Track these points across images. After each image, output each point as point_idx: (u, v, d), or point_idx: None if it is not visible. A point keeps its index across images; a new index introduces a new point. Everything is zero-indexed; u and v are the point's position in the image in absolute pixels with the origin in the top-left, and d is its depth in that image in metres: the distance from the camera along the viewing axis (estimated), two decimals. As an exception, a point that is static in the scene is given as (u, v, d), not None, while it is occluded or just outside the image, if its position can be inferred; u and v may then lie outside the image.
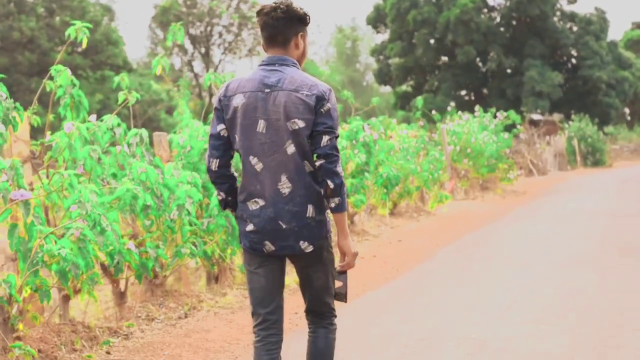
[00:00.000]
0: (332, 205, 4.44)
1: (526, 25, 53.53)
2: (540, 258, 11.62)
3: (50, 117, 7.82)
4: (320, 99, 4.43)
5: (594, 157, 47.65)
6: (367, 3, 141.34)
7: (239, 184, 4.63)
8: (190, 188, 8.30)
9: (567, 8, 55.34)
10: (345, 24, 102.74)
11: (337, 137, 4.46)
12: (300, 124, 4.41)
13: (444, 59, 55.56)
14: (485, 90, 55.18)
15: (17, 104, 6.76)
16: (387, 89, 71.17)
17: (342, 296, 4.76)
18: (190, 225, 8.76)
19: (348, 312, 7.89)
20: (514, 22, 54.22)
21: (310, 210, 4.46)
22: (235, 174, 4.69)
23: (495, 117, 28.24)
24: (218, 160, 4.58)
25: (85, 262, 6.56)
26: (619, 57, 55.27)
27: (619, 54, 55.51)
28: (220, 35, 60.83)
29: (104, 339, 7.25)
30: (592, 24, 53.76)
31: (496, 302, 8.72)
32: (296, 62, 4.59)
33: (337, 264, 4.66)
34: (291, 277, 8.87)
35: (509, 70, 53.74)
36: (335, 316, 4.81)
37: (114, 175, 7.95)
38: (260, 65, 4.57)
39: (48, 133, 7.59)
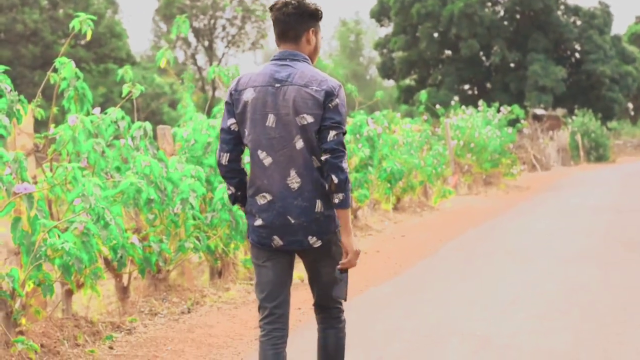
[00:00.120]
0: (336, 201, 4.42)
1: (530, 19, 53.47)
2: (544, 253, 11.59)
3: (54, 109, 7.80)
4: (330, 94, 4.43)
5: (597, 153, 47.62)
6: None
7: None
8: (194, 182, 8.27)
9: (571, 2, 55.33)
10: (348, 18, 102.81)
11: (344, 133, 4.45)
12: (309, 119, 4.41)
13: (448, 52, 55.51)
14: (488, 85, 55.14)
15: (22, 97, 6.73)
16: (390, 82, 71.14)
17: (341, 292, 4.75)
18: (194, 219, 8.74)
19: (351, 308, 7.86)
20: (518, 16, 54.16)
21: (318, 205, 4.46)
22: (246, 169, 4.68)
23: (498, 111, 28.19)
24: (228, 154, 4.59)
25: (89, 256, 6.54)
26: (623, 52, 55.21)
27: (622, 48, 55.44)
28: (224, 28, 60.82)
29: (107, 334, 7.23)
30: (596, 18, 53.69)
31: (500, 298, 8.70)
32: (307, 57, 4.59)
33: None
34: (294, 273, 8.83)
35: (512, 65, 53.72)
36: (343, 311, 4.81)
37: (118, 169, 7.93)
38: (271, 60, 4.59)
39: (52, 126, 7.57)
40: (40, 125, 8.09)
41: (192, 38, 60.13)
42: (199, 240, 8.66)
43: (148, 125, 8.17)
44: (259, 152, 4.48)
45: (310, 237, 4.49)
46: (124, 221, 7.68)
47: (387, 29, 58.44)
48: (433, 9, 52.16)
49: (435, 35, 54.03)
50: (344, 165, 4.39)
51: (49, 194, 7.05)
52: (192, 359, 6.80)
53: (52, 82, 7.64)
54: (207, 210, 9.14)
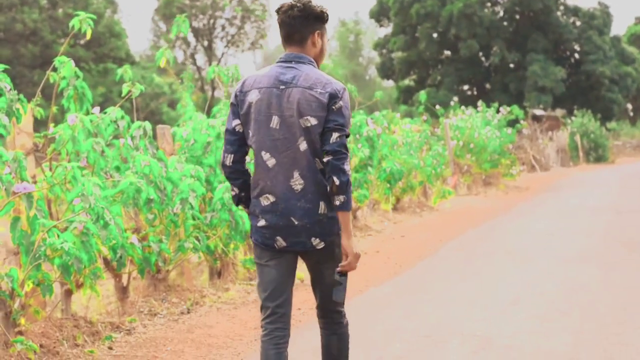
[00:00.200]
0: (337, 203, 4.41)
1: (529, 19, 53.47)
2: (544, 253, 11.58)
3: (54, 109, 7.78)
4: (333, 97, 4.44)
5: (596, 153, 47.62)
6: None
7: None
8: (193, 182, 8.26)
9: (571, 2, 55.42)
10: (348, 18, 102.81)
11: (347, 135, 4.46)
12: (313, 121, 4.42)
13: (447, 53, 55.49)
14: (487, 85, 55.14)
15: (21, 96, 6.72)
16: (389, 83, 71.13)
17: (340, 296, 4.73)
18: (194, 219, 8.72)
19: (351, 308, 7.83)
20: (517, 16, 54.15)
21: (322, 206, 4.47)
22: (249, 170, 4.68)
23: (498, 112, 28.18)
24: (232, 155, 4.60)
25: (88, 256, 6.52)
26: (622, 52, 55.21)
27: (622, 49, 55.44)
28: (223, 28, 60.81)
29: (106, 334, 7.21)
30: (596, 18, 53.69)
31: (500, 298, 8.69)
32: (313, 60, 4.60)
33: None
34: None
35: (511, 65, 53.71)
36: (344, 315, 4.81)
37: (117, 169, 7.91)
38: (277, 62, 4.60)
39: (51, 125, 7.55)
40: (39, 124, 8.08)
41: (191, 38, 60.15)
42: (199, 240, 8.64)
43: (148, 124, 8.15)
44: (263, 153, 4.49)
45: (313, 239, 4.49)
46: (123, 221, 7.66)
47: (387, 29, 58.50)
48: (432, 9, 52.16)
49: (435, 35, 54.02)
50: (346, 167, 4.38)
51: (48, 194, 7.03)
52: (191, 359, 6.79)
53: (51, 81, 7.62)
54: (206, 210, 9.12)
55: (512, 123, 30.69)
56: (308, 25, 4.55)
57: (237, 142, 4.58)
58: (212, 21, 60.22)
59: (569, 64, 54.37)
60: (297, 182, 4.45)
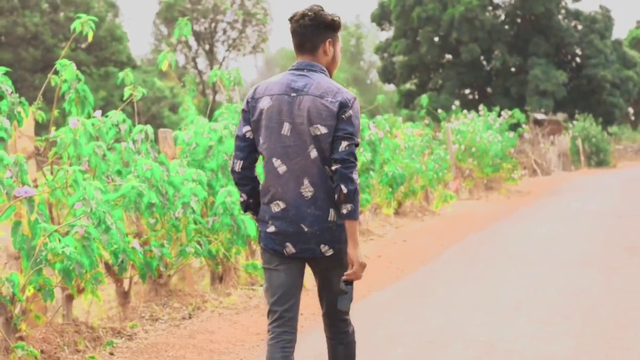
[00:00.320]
0: (344, 211, 4.43)
1: (531, 23, 53.48)
2: (545, 258, 11.58)
3: (55, 112, 7.75)
4: (344, 106, 4.47)
5: (598, 157, 47.59)
6: (372, 0, 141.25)
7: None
8: (195, 186, 8.23)
9: (572, 6, 55.25)
10: (349, 22, 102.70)
11: (356, 144, 4.48)
12: (323, 130, 4.44)
13: (448, 56, 55.49)
14: (489, 89, 55.12)
15: (22, 99, 6.70)
16: (391, 87, 71.12)
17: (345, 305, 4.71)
18: (195, 223, 8.69)
19: (353, 313, 7.73)
20: (519, 20, 54.16)
21: (331, 213, 4.50)
22: (259, 177, 4.70)
23: (499, 115, 28.16)
24: (242, 161, 4.63)
25: (90, 260, 6.49)
26: (624, 56, 55.21)
27: (623, 53, 55.45)
28: (225, 31, 60.77)
29: (108, 340, 7.18)
30: (597, 22, 53.70)
31: (502, 303, 8.68)
32: (324, 68, 4.63)
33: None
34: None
35: (513, 69, 53.69)
36: (350, 323, 4.82)
37: (119, 172, 7.88)
38: (289, 69, 4.63)
39: (53, 129, 7.52)
40: (41, 128, 8.06)
41: (192, 42, 60.09)
42: (200, 245, 8.61)
43: (149, 128, 8.13)
44: (274, 160, 4.52)
45: (322, 246, 4.51)
46: (125, 225, 7.64)
47: (388, 33, 58.49)
48: (434, 13, 52.16)
49: (436, 39, 54.00)
50: (354, 176, 4.40)
51: (49, 198, 7.01)
52: (193, 364, 6.76)
53: (53, 84, 7.60)
54: (208, 215, 9.08)
55: (514, 127, 30.68)
56: (319, 33, 4.57)
57: (247, 149, 4.61)
58: (213, 25, 60.19)
59: (571, 68, 54.36)
60: (308, 189, 4.48)
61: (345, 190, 4.37)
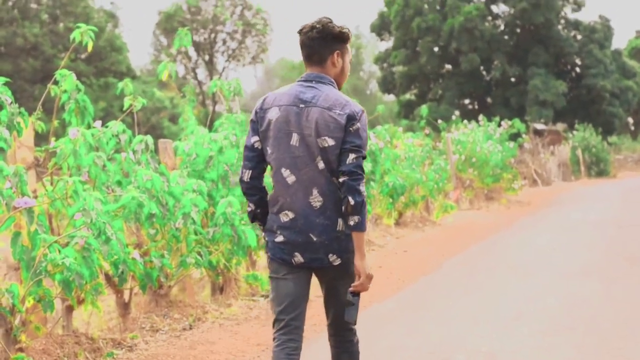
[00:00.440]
0: (351, 223, 4.46)
1: (530, 33, 53.56)
2: (546, 268, 11.56)
3: (55, 122, 7.74)
4: (351, 118, 4.51)
5: (598, 167, 47.57)
6: (371, 10, 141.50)
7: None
8: (195, 196, 8.21)
9: (572, 16, 55.39)
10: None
11: (364, 157, 4.51)
12: (330, 142, 4.48)
13: (448, 67, 55.58)
14: (489, 99, 55.18)
15: (22, 109, 6.68)
16: (390, 97, 71.18)
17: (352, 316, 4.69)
18: (196, 234, 8.66)
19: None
20: (518, 30, 54.26)
21: (340, 223, 4.53)
22: (267, 187, 4.73)
23: (499, 126, 28.16)
24: (250, 171, 4.66)
25: (90, 271, 6.46)
26: (623, 66, 55.30)
27: (623, 63, 55.54)
28: (224, 42, 60.89)
29: (108, 351, 7.15)
30: (597, 32, 53.81)
31: (503, 313, 8.67)
32: (333, 80, 4.66)
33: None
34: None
35: (512, 79, 53.78)
36: (355, 333, 4.82)
37: (119, 183, 7.87)
38: (297, 81, 4.67)
39: (52, 139, 7.50)
40: (40, 138, 8.04)
41: (192, 52, 60.20)
42: (201, 256, 8.59)
43: (149, 138, 8.11)
44: (283, 170, 4.54)
45: (330, 255, 4.54)
46: (125, 236, 7.62)
47: (388, 43, 58.59)
48: (433, 23, 52.26)
49: (436, 49, 54.10)
50: (362, 188, 4.43)
51: (49, 208, 6.99)
52: (193, 376, 6.74)
53: (52, 94, 7.58)
54: (208, 225, 9.06)
55: (514, 137, 30.67)
56: (327, 46, 4.60)
57: (255, 159, 4.64)
58: (213, 35, 60.30)
59: (570, 78, 54.44)
60: (317, 199, 4.51)
61: (352, 202, 4.40)
